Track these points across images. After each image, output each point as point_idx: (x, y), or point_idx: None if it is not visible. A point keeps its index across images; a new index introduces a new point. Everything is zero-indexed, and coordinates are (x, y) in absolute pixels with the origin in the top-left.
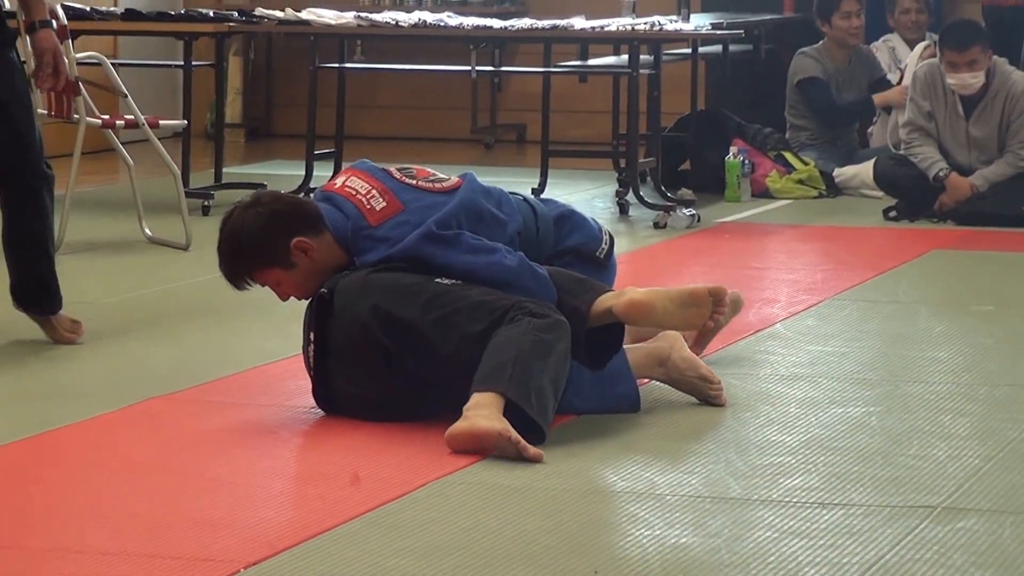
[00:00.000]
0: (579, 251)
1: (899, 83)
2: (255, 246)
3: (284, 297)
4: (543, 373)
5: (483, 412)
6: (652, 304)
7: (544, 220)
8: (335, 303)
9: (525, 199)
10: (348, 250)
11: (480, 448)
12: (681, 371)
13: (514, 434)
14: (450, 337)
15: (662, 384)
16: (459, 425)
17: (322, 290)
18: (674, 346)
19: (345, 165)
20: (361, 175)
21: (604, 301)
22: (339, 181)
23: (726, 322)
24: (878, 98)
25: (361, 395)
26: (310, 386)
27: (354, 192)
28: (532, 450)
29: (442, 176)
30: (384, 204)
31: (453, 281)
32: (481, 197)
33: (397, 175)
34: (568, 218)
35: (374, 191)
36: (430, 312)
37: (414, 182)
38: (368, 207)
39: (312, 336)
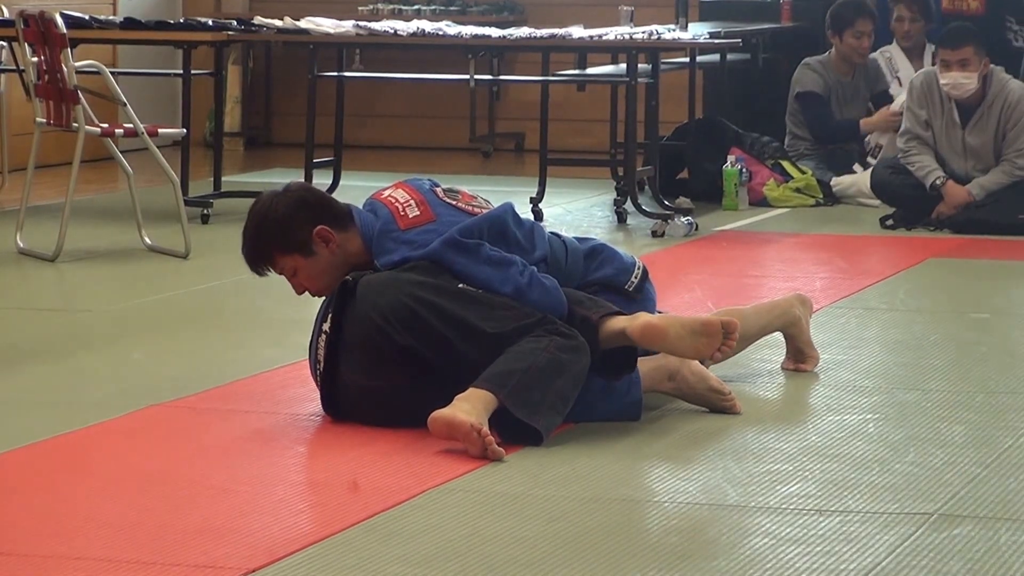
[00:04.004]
0: (607, 284)
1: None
2: (279, 229)
3: (300, 290)
4: (549, 389)
5: (466, 406)
6: (665, 329)
7: (574, 254)
8: (358, 292)
9: (559, 236)
10: (371, 250)
11: (451, 435)
12: (691, 384)
13: (484, 429)
14: (473, 335)
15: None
16: (441, 411)
17: (347, 278)
18: (684, 360)
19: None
20: (406, 188)
21: (617, 322)
22: (386, 192)
23: (806, 321)
24: (864, 124)
25: (371, 386)
26: (310, 393)
27: (393, 200)
28: (496, 449)
29: (484, 203)
30: (418, 213)
31: (477, 290)
32: (511, 222)
33: (440, 193)
34: (599, 252)
35: (412, 201)
36: (457, 309)
37: (454, 202)
38: (402, 213)
39: (327, 324)
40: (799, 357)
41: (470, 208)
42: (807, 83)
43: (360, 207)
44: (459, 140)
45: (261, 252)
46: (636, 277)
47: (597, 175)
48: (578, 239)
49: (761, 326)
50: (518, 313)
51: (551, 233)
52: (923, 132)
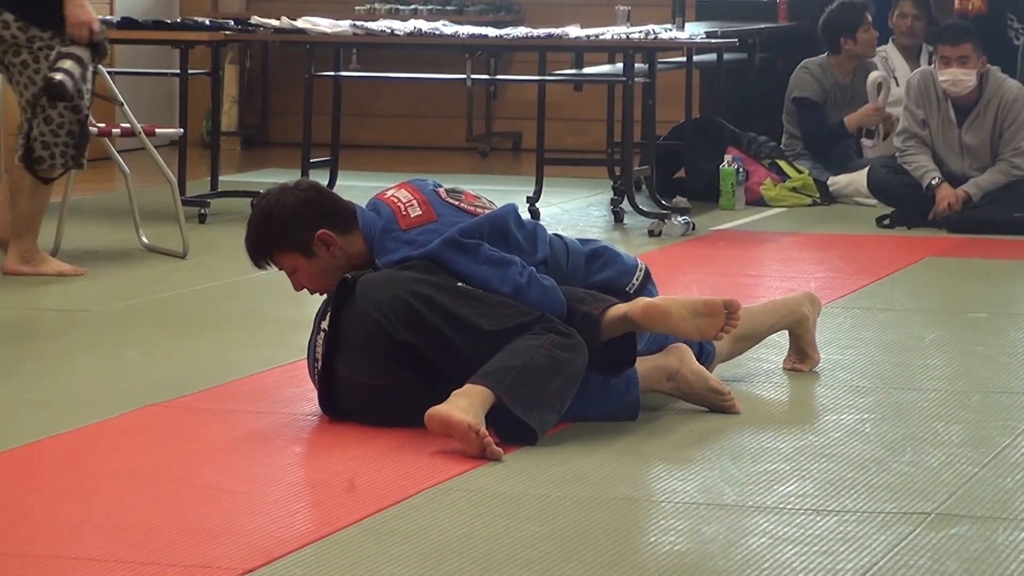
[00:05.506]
0: (608, 286)
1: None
2: (283, 226)
3: (298, 287)
4: (546, 386)
5: (463, 403)
6: (668, 309)
7: (575, 256)
8: (356, 290)
9: (561, 237)
10: (372, 249)
11: (448, 434)
12: (691, 384)
13: (482, 429)
14: (471, 333)
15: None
16: (437, 408)
17: (346, 276)
18: (683, 360)
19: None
20: (409, 188)
21: (619, 309)
22: (389, 192)
23: (813, 321)
24: (849, 120)
25: (369, 384)
26: (307, 393)
27: (396, 200)
28: (495, 449)
29: (487, 204)
30: (420, 213)
31: (476, 289)
32: (513, 223)
33: (443, 194)
34: (601, 255)
35: (414, 201)
36: (455, 306)
37: (456, 203)
38: (404, 213)
39: (326, 322)
40: (800, 357)
41: (472, 209)
42: (804, 89)
43: (363, 206)
44: (456, 140)
45: (263, 247)
46: (637, 279)
47: (594, 174)
48: (580, 241)
49: (770, 324)
50: (516, 311)
51: (553, 235)
52: (920, 131)
